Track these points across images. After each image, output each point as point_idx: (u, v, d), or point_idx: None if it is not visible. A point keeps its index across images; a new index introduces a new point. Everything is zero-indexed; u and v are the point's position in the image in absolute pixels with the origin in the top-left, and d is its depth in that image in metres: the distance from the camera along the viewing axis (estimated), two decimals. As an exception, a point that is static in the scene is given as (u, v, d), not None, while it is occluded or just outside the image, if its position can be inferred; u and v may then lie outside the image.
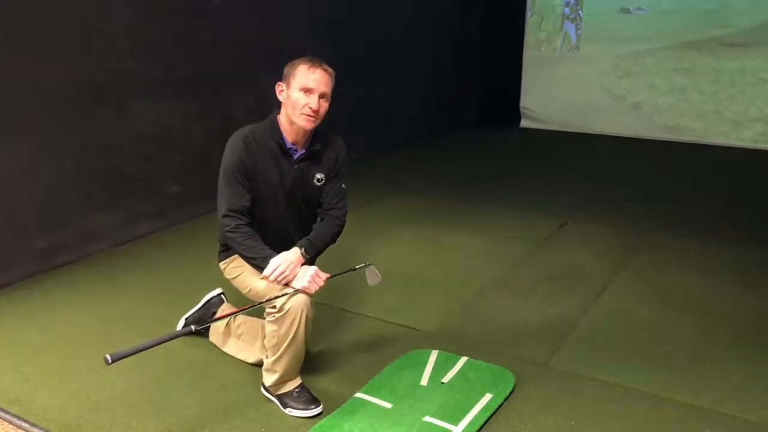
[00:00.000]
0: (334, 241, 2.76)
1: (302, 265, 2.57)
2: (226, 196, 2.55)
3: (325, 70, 2.56)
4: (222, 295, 3.09)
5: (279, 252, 2.55)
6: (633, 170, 6.24)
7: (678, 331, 3.20)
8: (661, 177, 6.00)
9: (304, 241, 2.67)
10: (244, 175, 2.55)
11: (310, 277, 2.50)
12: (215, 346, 3.04)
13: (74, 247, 4.12)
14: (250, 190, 2.57)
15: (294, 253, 2.59)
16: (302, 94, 2.51)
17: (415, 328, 3.25)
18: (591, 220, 4.77)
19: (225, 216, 2.54)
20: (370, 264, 2.84)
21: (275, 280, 2.48)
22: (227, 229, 2.54)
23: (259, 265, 2.52)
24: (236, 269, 2.68)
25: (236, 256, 2.65)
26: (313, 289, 2.51)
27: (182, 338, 3.13)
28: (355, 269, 2.81)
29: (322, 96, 2.54)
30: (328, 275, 2.58)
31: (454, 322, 3.32)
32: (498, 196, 5.44)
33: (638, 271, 3.89)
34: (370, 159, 6.43)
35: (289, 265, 2.53)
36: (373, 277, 2.86)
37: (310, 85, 2.52)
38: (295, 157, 2.63)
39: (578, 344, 3.09)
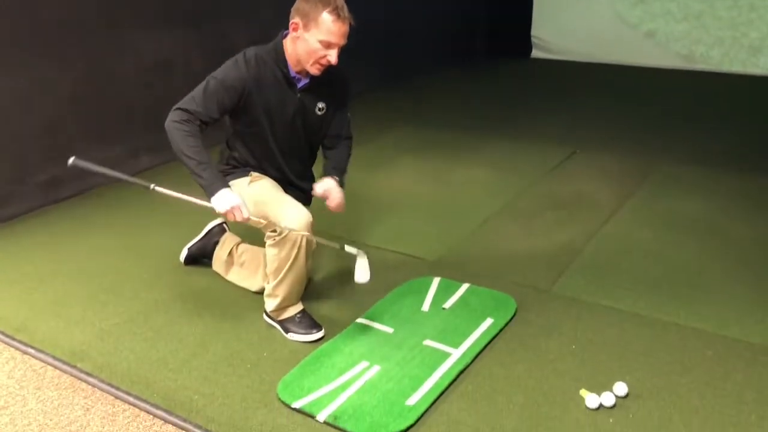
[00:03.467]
0: (350, 154, 2.80)
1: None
2: (196, 100, 2.38)
3: (350, 22, 2.39)
4: (224, 225, 3.07)
5: (273, 177, 2.51)
6: (645, 100, 6.09)
7: (683, 256, 3.17)
8: (674, 107, 5.85)
9: (330, 170, 2.69)
10: (232, 96, 2.41)
11: (233, 204, 2.32)
12: (218, 274, 3.04)
13: (76, 180, 4.10)
14: (233, 115, 2.47)
15: (329, 182, 2.64)
16: (322, 45, 2.37)
17: (417, 257, 3.24)
18: (600, 150, 4.68)
19: (181, 110, 2.36)
20: (360, 252, 2.54)
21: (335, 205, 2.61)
22: (177, 119, 2.34)
23: (200, 175, 2.32)
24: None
25: (237, 180, 2.60)
26: (237, 218, 2.34)
27: (186, 267, 3.15)
28: (344, 249, 2.55)
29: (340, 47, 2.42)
30: (247, 217, 2.36)
31: (457, 251, 3.30)
32: (506, 127, 5.34)
33: (645, 199, 3.83)
34: (374, 91, 6.31)
35: (335, 191, 2.63)
36: (361, 271, 2.55)
37: (333, 40, 2.37)
38: (299, 86, 2.54)
39: (582, 270, 3.07)
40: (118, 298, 2.94)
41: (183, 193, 2.48)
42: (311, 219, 2.50)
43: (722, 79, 6.85)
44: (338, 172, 2.69)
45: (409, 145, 4.92)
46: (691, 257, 3.16)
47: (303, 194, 2.71)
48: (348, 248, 2.54)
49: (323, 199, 2.66)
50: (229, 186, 2.38)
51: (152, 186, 2.47)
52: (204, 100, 2.40)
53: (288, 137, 2.61)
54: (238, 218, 2.34)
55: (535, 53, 8.10)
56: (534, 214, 3.68)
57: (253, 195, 2.53)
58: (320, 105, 2.62)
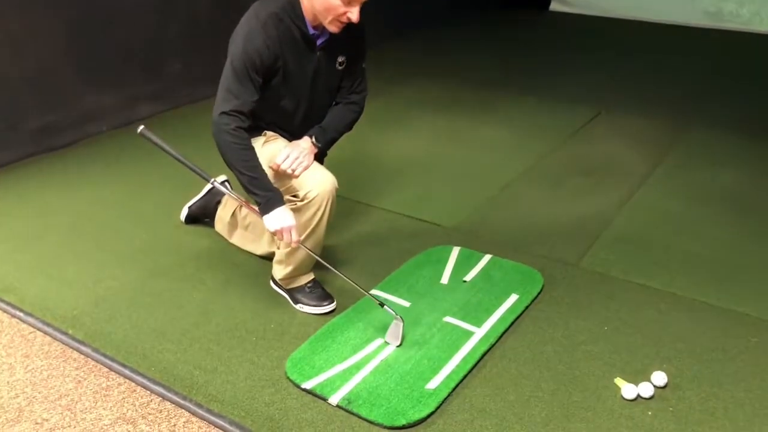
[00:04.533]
0: (350, 128, 2.48)
1: (315, 154, 2.32)
2: (233, 92, 2.14)
3: None
4: (227, 183, 2.85)
5: (287, 139, 2.28)
6: (671, 59, 5.76)
7: (720, 232, 2.95)
8: (701, 67, 5.53)
9: (315, 128, 2.39)
10: (260, 69, 2.16)
11: (284, 226, 2.14)
12: (222, 236, 2.84)
13: (72, 128, 3.86)
14: (262, 87, 2.20)
15: (305, 141, 2.33)
16: (342, 2, 2.08)
17: (435, 223, 3.03)
18: (625, 111, 4.42)
19: (225, 114, 2.13)
20: (399, 317, 2.22)
21: (289, 168, 2.23)
22: (227, 128, 2.12)
23: (255, 192, 2.14)
24: None
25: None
26: (285, 240, 2.17)
27: (187, 227, 2.95)
28: (378, 303, 2.24)
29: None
30: (299, 240, 2.20)
31: (476, 218, 3.09)
32: (526, 84, 5.05)
33: (676, 167, 3.60)
34: (385, 42, 5.99)
35: (302, 152, 2.27)
36: (393, 335, 2.23)
37: None
38: (318, 44, 2.27)
39: (612, 244, 2.86)
40: (115, 259, 2.74)
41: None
42: (336, 183, 2.29)
43: (751, 39, 6.52)
44: (322, 132, 2.37)
45: (423, 101, 4.65)
46: (727, 233, 2.95)
47: (322, 151, 2.47)
48: (388, 309, 2.23)
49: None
50: (284, 203, 2.18)
51: (211, 180, 2.31)
52: (240, 88, 2.15)
53: (307, 99, 2.35)
54: (286, 240, 2.17)
55: (554, 6, 7.73)
56: (558, 180, 3.45)
57: (269, 157, 2.30)
58: (340, 59, 2.36)
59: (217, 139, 2.16)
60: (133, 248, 2.82)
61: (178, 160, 2.30)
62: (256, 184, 2.15)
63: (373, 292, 2.49)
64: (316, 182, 2.22)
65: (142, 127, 2.25)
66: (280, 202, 2.16)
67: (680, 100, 4.68)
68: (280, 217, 2.14)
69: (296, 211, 2.26)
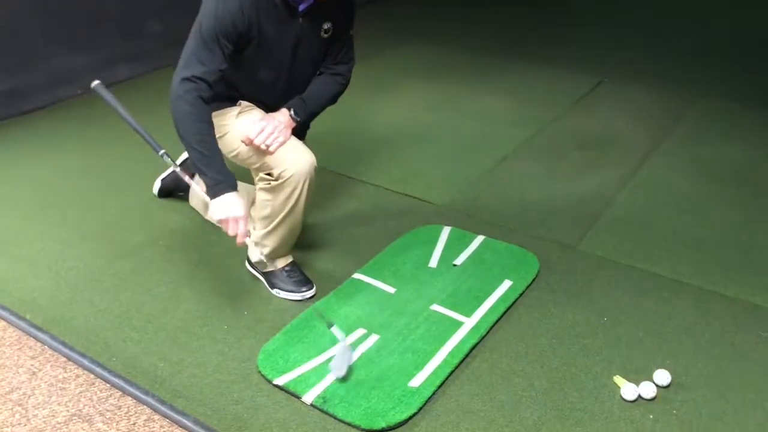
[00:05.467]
0: (333, 101, 2.27)
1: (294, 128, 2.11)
2: (199, 58, 1.91)
3: None
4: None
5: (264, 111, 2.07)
6: (678, 27, 5.48)
7: (730, 213, 2.77)
8: (711, 35, 5.25)
9: (295, 100, 2.18)
10: (232, 36, 1.93)
11: (230, 215, 1.90)
12: (197, 212, 2.65)
13: (41, 91, 3.64)
14: (233, 56, 1.98)
15: (283, 114, 2.12)
16: None
17: (425, 200, 2.84)
18: (631, 79, 4.18)
19: (187, 80, 1.89)
20: (345, 342, 1.95)
21: (263, 143, 2.02)
22: (186, 96, 1.89)
23: (204, 172, 1.91)
24: (219, 129, 2.14)
25: (219, 113, 2.14)
26: (230, 232, 1.91)
27: (160, 201, 2.76)
28: (327, 323, 1.98)
29: None
30: (246, 234, 1.93)
31: (470, 194, 2.90)
32: (525, 50, 4.79)
33: (683, 141, 3.39)
34: (379, 3, 5.71)
35: (278, 126, 2.06)
36: (337, 364, 1.87)
37: None
38: (300, 9, 2.04)
39: (613, 224, 2.67)
40: (81, 236, 2.55)
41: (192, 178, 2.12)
42: (315, 162, 2.09)
43: (766, 4, 6.22)
44: (302, 105, 2.16)
45: (416, 66, 4.41)
46: (738, 214, 2.76)
47: (302, 125, 2.25)
48: (336, 331, 1.96)
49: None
50: (236, 189, 1.94)
51: (162, 152, 2.05)
52: (207, 55, 1.91)
53: (288, 71, 2.14)
54: (231, 232, 1.91)
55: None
56: (558, 154, 3.25)
57: (243, 130, 2.09)
58: (326, 26, 2.13)
59: (173, 107, 1.92)
60: (102, 224, 2.63)
61: (129, 125, 2.09)
62: (207, 162, 1.91)
63: (356, 276, 2.31)
64: (293, 160, 2.02)
65: (96, 82, 2.03)
66: (231, 188, 1.92)
67: (688, 69, 4.44)
68: (228, 205, 1.91)
69: (270, 191, 2.07)
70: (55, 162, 3.09)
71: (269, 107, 2.16)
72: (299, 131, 2.22)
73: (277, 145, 2.03)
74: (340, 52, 2.21)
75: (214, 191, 1.92)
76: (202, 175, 1.94)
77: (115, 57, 4.00)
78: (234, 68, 2.02)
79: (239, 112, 2.16)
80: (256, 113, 2.15)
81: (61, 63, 3.72)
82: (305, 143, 2.27)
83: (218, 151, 1.95)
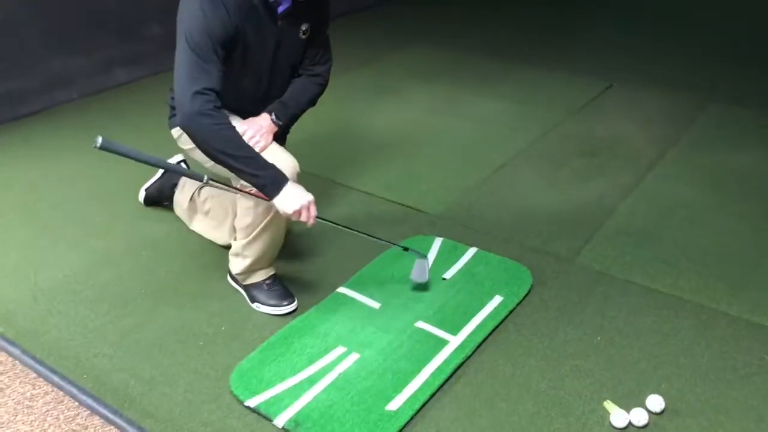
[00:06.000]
0: (313, 103, 2.20)
1: (275, 133, 2.04)
2: (198, 70, 1.81)
3: None
4: (183, 164, 2.58)
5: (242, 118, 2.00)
6: (691, 28, 5.30)
7: (738, 225, 2.64)
8: (725, 38, 5.07)
9: (275, 104, 2.11)
10: (223, 40, 1.85)
11: (303, 204, 1.86)
12: (182, 221, 2.58)
13: (38, 95, 3.61)
14: (224, 63, 1.89)
15: (264, 119, 2.05)
16: None
17: (418, 209, 2.75)
18: (640, 84, 4.05)
19: (198, 94, 1.79)
20: (423, 257, 2.24)
21: None
22: (203, 110, 1.78)
23: (256, 174, 1.82)
24: None
25: None
26: (304, 218, 1.89)
27: (146, 210, 2.70)
28: (399, 246, 2.26)
29: None
30: (314, 215, 1.91)
31: (465, 203, 2.80)
32: (531, 53, 4.67)
33: (692, 148, 3.26)
34: (378, 6, 5.62)
35: (259, 130, 2.00)
36: (419, 271, 2.22)
37: None
38: (279, 11, 1.97)
39: (614, 236, 2.56)
40: (63, 245, 2.50)
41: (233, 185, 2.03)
42: (297, 167, 2.02)
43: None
44: (282, 108, 2.10)
45: (418, 69, 4.32)
46: (747, 227, 2.63)
47: (283, 130, 2.18)
48: (404, 247, 2.25)
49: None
50: (288, 179, 1.88)
51: (205, 179, 1.94)
52: (204, 65, 1.82)
53: (268, 76, 2.07)
54: (305, 218, 1.88)
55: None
56: (560, 161, 3.14)
57: None
58: (304, 27, 2.06)
59: (194, 125, 1.80)
60: (85, 232, 2.57)
61: (156, 165, 1.95)
62: (253, 164, 1.83)
63: (340, 290, 2.23)
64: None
65: (100, 139, 1.85)
66: (285, 176, 1.87)
67: (701, 72, 4.29)
68: (295, 195, 1.85)
69: (251, 198, 1.99)
70: (44, 167, 3.05)
71: (248, 113, 2.09)
72: (279, 136, 2.15)
73: (258, 149, 1.96)
74: (318, 52, 2.14)
75: (273, 189, 1.85)
76: (253, 178, 1.84)
77: (114, 60, 3.96)
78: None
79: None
80: (235, 121, 2.07)
81: (58, 66, 3.68)
82: (286, 149, 2.19)
83: (254, 150, 1.87)
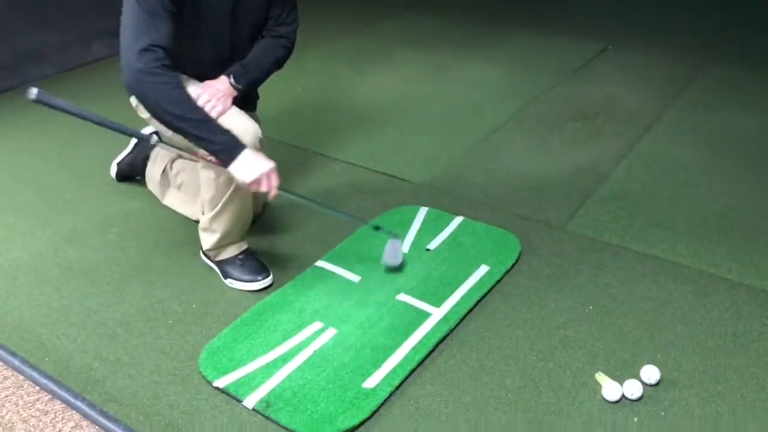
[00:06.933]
0: (278, 67, 2.06)
1: (234, 98, 1.91)
2: (146, 24, 1.69)
3: None
4: (155, 135, 2.45)
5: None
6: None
7: (738, 188, 2.51)
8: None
9: (235, 66, 1.97)
10: None
11: (263, 171, 1.75)
12: (155, 196, 2.46)
13: (10, 71, 3.47)
14: (175, 20, 1.76)
15: (221, 82, 1.92)
16: None
17: (403, 179, 2.62)
18: (637, 46, 3.89)
19: (144, 51, 1.66)
20: (397, 237, 2.09)
21: None
22: (149, 68, 1.66)
23: (209, 139, 1.71)
24: None
25: None
26: (264, 188, 1.78)
27: (118, 185, 2.58)
28: (369, 224, 2.12)
29: None
30: (277, 187, 1.80)
31: (453, 171, 2.67)
32: (525, 15, 4.50)
33: (689, 111, 3.12)
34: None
35: (215, 94, 1.86)
36: (392, 254, 2.06)
37: None
38: None
39: (607, 202, 2.44)
40: (29, 223, 2.39)
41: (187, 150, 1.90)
42: (259, 133, 1.90)
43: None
44: (242, 71, 1.96)
45: (409, 36, 4.16)
46: (747, 189, 2.50)
47: (244, 99, 2.05)
48: (370, 223, 2.13)
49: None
50: (245, 145, 1.75)
51: (154, 139, 1.85)
52: (152, 21, 1.68)
53: (227, 38, 1.94)
54: (269, 189, 1.77)
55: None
56: (552, 126, 3.00)
57: None
58: None
59: (139, 84, 1.68)
60: (54, 210, 2.46)
61: (94, 122, 1.81)
62: (205, 127, 1.71)
63: (319, 263, 2.12)
64: (234, 131, 1.81)
65: (35, 91, 1.74)
66: (242, 144, 1.74)
67: (701, 32, 4.12)
68: (253, 162, 1.73)
69: (211, 168, 1.87)
70: (13, 145, 2.93)
71: (209, 78, 1.96)
72: (245, 102, 2.03)
73: (215, 114, 1.83)
74: (282, 12, 2.00)
75: (229, 154, 1.72)
76: (206, 143, 1.72)
77: (90, 34, 3.81)
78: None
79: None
80: (190, 84, 1.93)
81: (33, 41, 3.55)
82: (256, 115, 2.08)
83: (208, 114, 1.75)
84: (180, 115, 1.69)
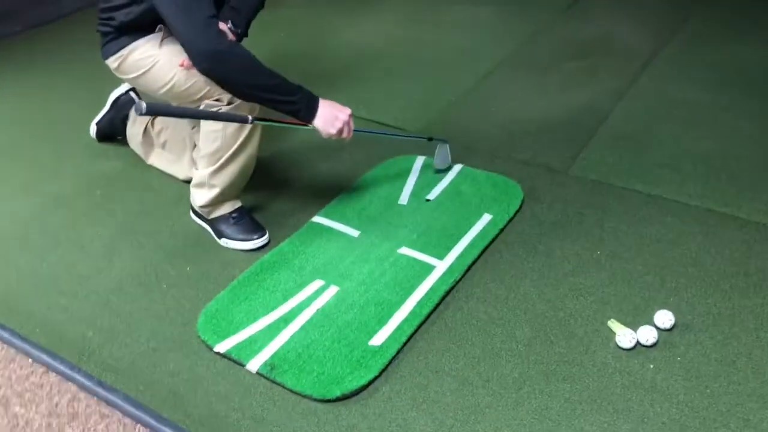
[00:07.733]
0: (263, 5, 1.97)
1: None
2: None
3: None
4: (131, 93, 2.33)
5: None
6: None
7: (743, 123, 2.44)
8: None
9: (227, 11, 1.89)
10: None
11: (345, 120, 1.75)
12: (138, 156, 2.36)
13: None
14: None
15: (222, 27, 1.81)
16: None
17: (398, 127, 2.52)
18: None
19: (208, 25, 1.59)
20: (445, 142, 2.20)
21: None
22: (224, 42, 1.62)
23: (289, 100, 1.68)
24: (143, 61, 1.84)
25: (138, 44, 1.82)
26: (345, 135, 1.78)
27: (99, 146, 2.48)
28: (423, 138, 2.20)
29: None
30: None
31: (448, 118, 2.58)
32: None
33: (690, 44, 3.02)
34: None
35: None
36: (443, 157, 2.20)
37: None
38: None
39: (610, 143, 2.36)
40: (9, 189, 2.28)
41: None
42: None
43: None
44: (236, 15, 1.90)
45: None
46: (752, 125, 2.43)
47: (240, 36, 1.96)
48: (428, 137, 2.20)
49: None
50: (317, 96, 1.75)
51: (250, 119, 1.75)
52: None
53: None
54: (346, 134, 1.79)
55: None
56: (548, 66, 2.90)
57: (172, 57, 1.78)
58: None
59: (220, 68, 1.62)
60: (34, 176, 2.35)
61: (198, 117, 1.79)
62: (285, 89, 1.68)
63: (316, 219, 2.04)
64: None
65: (144, 105, 1.53)
66: (314, 95, 1.72)
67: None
68: (333, 112, 1.72)
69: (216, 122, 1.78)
70: (-13, 108, 2.79)
71: None
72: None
73: None
74: None
75: (308, 111, 1.71)
76: (287, 105, 1.69)
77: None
78: None
79: (163, 38, 1.84)
80: None
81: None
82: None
83: (280, 73, 1.70)
84: (262, 84, 1.65)
